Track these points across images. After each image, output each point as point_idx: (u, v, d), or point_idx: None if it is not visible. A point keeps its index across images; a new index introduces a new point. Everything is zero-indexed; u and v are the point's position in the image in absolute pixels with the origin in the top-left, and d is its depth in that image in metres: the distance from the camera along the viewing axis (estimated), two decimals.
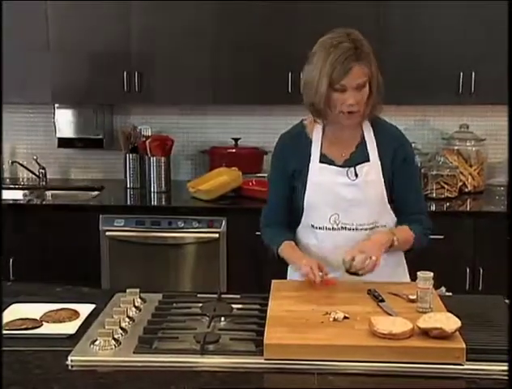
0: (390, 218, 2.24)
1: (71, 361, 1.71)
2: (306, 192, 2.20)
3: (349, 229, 2.20)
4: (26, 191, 4.13)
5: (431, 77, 3.65)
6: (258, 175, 4.00)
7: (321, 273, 2.05)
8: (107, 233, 3.61)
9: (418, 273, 1.95)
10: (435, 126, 4.06)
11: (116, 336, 1.79)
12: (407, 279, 2.31)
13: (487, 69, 3.64)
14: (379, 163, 2.20)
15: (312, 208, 2.21)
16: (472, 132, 3.96)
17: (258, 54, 3.78)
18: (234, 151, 4.07)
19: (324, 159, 2.20)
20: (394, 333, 1.70)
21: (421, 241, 2.24)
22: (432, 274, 1.94)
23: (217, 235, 3.58)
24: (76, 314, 1.99)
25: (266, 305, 1.96)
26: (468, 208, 3.68)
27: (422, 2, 3.64)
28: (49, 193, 4.12)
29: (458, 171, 3.82)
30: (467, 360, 1.67)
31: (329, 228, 2.20)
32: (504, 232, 3.42)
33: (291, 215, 2.28)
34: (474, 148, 3.93)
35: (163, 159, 3.95)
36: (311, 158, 2.21)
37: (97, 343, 1.76)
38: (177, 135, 4.16)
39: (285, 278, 2.31)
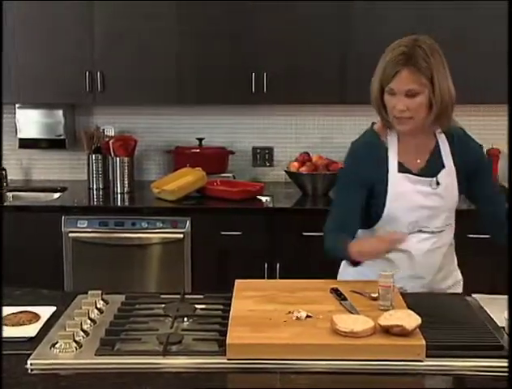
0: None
1: (31, 364, 1.69)
2: (387, 202, 2.18)
3: (425, 232, 2.22)
4: None
5: None
6: (223, 175, 4.01)
7: None
8: (70, 235, 3.57)
9: (380, 271, 1.97)
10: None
11: (77, 339, 1.77)
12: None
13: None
14: (454, 168, 2.21)
15: (391, 218, 2.19)
16: None
17: (223, 54, 3.77)
18: (198, 151, 4.06)
19: (402, 168, 2.19)
20: (356, 331, 1.71)
21: None
22: (393, 272, 1.96)
23: (181, 235, 3.57)
24: (36, 316, 1.97)
25: (230, 304, 1.96)
26: None
27: (386, 3, 3.67)
28: (10, 194, 4.06)
29: None
30: (426, 356, 1.69)
31: None
32: (465, 229, 3.48)
33: (361, 223, 2.24)
34: None
35: (126, 159, 3.92)
36: (389, 167, 2.18)
37: (58, 345, 1.74)
38: (141, 135, 4.15)
39: (249, 278, 2.29)
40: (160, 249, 3.62)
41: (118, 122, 4.18)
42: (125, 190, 3.93)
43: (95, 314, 1.97)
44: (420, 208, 2.19)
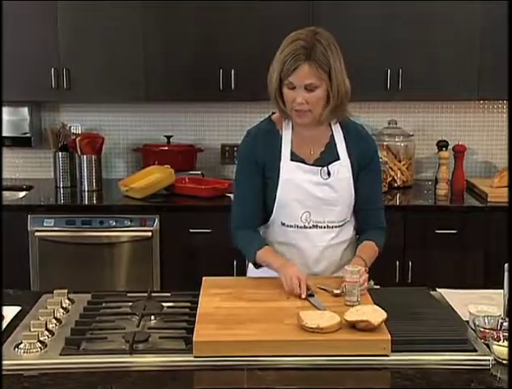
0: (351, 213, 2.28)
1: None
2: (278, 190, 2.19)
3: (320, 227, 2.21)
4: None
5: (360, 74, 3.68)
6: (191, 172, 3.99)
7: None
8: (36, 234, 3.53)
9: (346, 267, 1.98)
10: (364, 122, 4.11)
11: (42, 339, 1.76)
12: None
13: (413, 66, 3.72)
14: (349, 161, 2.21)
15: (283, 206, 2.20)
16: (400, 128, 4.04)
17: (190, 52, 3.76)
18: (167, 148, 4.04)
19: (294, 157, 2.20)
20: (322, 327, 1.72)
21: (382, 245, 2.28)
22: (359, 268, 1.97)
23: (150, 233, 3.55)
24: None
25: (197, 302, 1.96)
26: (398, 202, 3.75)
27: (350, 2, 3.69)
28: None
29: (388, 166, 3.89)
30: (392, 351, 1.71)
31: (300, 227, 2.21)
32: (432, 225, 3.54)
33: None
34: (402, 144, 4.02)
35: (94, 157, 3.88)
36: (282, 155, 2.19)
37: (22, 346, 1.72)
38: (109, 133, 4.12)
39: (218, 275, 2.28)
40: (129, 247, 3.60)
41: (85, 120, 4.14)
42: (93, 188, 3.90)
43: (60, 313, 1.95)
44: (311, 198, 2.18)
